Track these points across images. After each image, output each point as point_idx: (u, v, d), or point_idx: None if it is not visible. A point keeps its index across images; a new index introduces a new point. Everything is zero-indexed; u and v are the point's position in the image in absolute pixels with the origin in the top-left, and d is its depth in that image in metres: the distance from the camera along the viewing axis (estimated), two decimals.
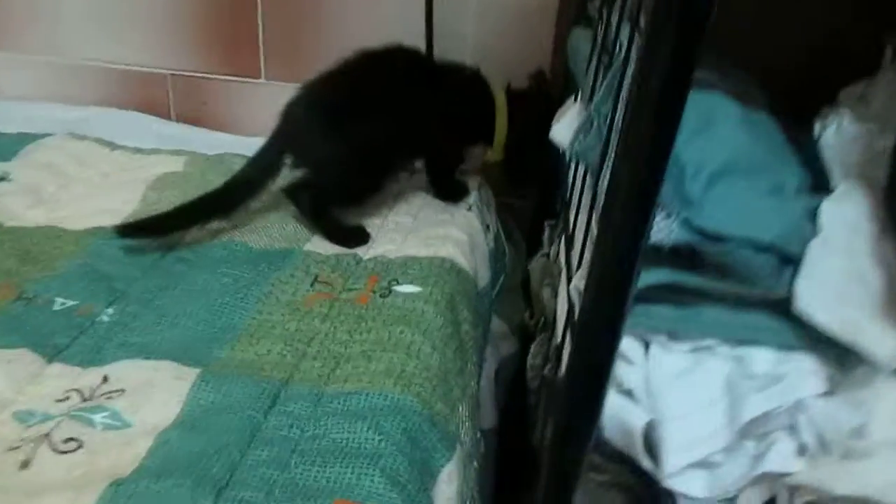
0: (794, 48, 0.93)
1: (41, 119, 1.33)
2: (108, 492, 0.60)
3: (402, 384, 0.74)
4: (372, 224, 1.07)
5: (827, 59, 0.90)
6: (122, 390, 0.73)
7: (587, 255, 0.68)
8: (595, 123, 0.63)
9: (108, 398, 0.72)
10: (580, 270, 0.67)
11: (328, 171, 1.03)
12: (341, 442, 0.67)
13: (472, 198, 1.15)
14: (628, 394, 0.65)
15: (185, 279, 0.92)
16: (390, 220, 1.09)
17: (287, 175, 1.05)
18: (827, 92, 0.83)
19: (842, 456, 0.59)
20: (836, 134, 0.74)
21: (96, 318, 0.84)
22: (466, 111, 1.09)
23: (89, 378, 0.74)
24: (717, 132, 0.71)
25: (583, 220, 0.73)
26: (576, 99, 0.91)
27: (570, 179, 0.85)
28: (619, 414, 0.64)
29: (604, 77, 0.73)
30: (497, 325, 1.15)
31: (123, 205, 1.08)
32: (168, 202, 1.04)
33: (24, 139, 1.24)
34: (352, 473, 0.63)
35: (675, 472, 0.61)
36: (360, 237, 1.03)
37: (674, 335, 0.65)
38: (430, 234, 1.03)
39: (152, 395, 0.72)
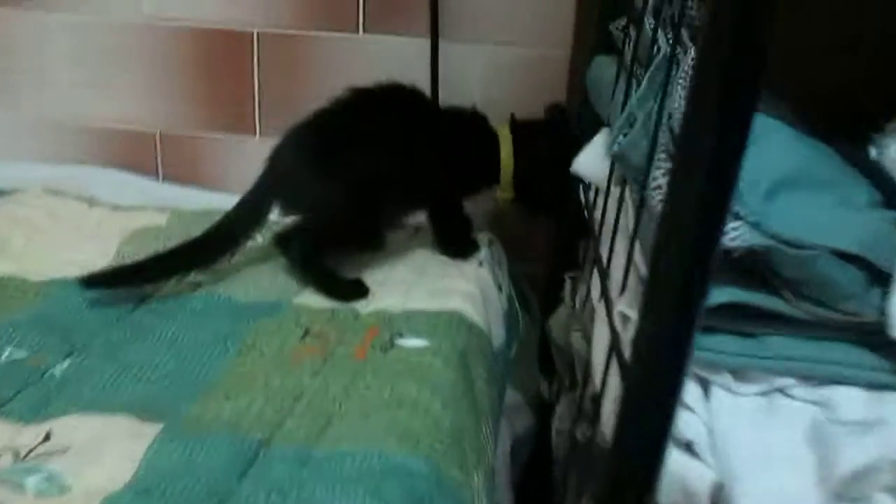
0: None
1: (20, 179, 1.24)
2: None
3: (408, 444, 0.61)
4: (372, 279, 0.96)
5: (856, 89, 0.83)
6: (66, 448, 0.60)
7: (630, 282, 0.57)
8: (638, 120, 0.53)
9: (48, 458, 0.59)
10: (624, 295, 0.56)
11: (320, 212, 0.92)
12: None
13: (483, 254, 1.05)
14: (688, 447, 0.53)
15: (154, 331, 0.80)
16: (393, 275, 0.98)
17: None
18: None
19: None
20: None
21: (48, 370, 0.72)
22: (466, 148, 1.00)
23: (29, 435, 0.62)
24: (769, 147, 0.61)
25: (621, 244, 0.63)
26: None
27: (594, 207, 0.75)
28: (677, 473, 0.51)
29: (638, 84, 0.65)
30: (511, 396, 1.02)
31: (94, 258, 0.98)
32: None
33: None
34: None
35: None
36: (357, 291, 0.92)
37: (739, 373, 0.54)
38: (437, 288, 0.92)
39: (101, 455, 0.59)
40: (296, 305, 0.88)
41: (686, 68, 0.58)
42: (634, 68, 0.67)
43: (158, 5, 1.23)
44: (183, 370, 0.72)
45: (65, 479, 0.56)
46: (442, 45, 1.17)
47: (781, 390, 0.53)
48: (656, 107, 0.54)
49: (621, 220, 0.64)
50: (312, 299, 0.90)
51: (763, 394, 0.53)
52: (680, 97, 0.56)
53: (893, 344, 0.51)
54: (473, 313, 0.88)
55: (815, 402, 0.52)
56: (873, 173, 0.64)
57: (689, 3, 0.61)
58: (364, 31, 1.20)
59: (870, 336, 0.52)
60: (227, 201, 0.97)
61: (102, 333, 0.80)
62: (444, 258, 1.04)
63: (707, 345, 0.53)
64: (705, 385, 0.54)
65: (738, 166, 0.37)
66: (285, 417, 0.66)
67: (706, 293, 0.40)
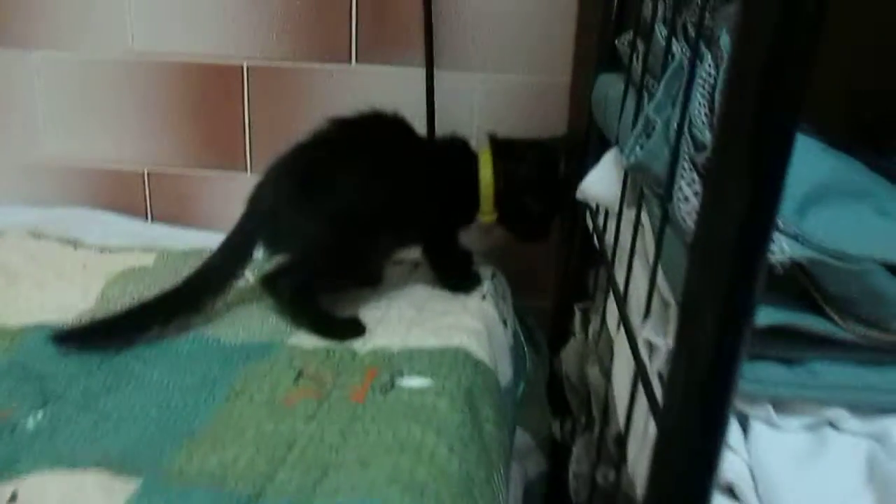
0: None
1: (4, 222, 1.19)
2: None
3: (413, 494, 0.55)
4: (370, 317, 0.90)
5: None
6: None
7: (654, 305, 0.52)
8: (656, 128, 0.49)
9: None
10: (648, 321, 0.50)
11: (306, 249, 0.87)
12: None
13: (486, 287, 1.00)
14: (728, 492, 0.47)
15: (137, 377, 0.74)
16: (391, 312, 0.92)
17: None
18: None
19: None
20: None
21: (19, 422, 0.66)
22: (450, 175, 0.96)
23: None
24: (794, 157, 0.56)
25: (640, 268, 0.58)
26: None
27: (605, 232, 0.70)
28: None
29: (650, 101, 0.60)
30: (520, 437, 0.95)
31: (77, 301, 0.92)
32: (130, 299, 0.89)
33: None
34: None
35: None
36: (353, 329, 0.86)
37: (782, 405, 0.48)
38: (439, 324, 0.87)
39: None
40: (289, 346, 0.82)
41: (704, 75, 0.54)
42: (645, 80, 0.63)
43: (149, 41, 1.20)
44: (166, 418, 0.67)
45: None
46: (437, 73, 1.14)
47: (831, 423, 0.47)
48: (677, 114, 0.50)
49: (638, 243, 0.59)
50: (306, 339, 0.84)
51: (810, 427, 0.48)
52: (699, 104, 0.51)
53: None
54: (479, 350, 0.82)
55: (870, 436, 0.47)
56: None
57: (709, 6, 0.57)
58: (356, 61, 1.16)
59: None
60: (217, 240, 0.93)
61: (81, 381, 0.74)
62: (445, 293, 0.99)
63: (745, 373, 0.47)
64: (743, 419, 0.49)
65: (786, 168, 0.33)
66: (277, 468, 0.60)
67: (752, 319, 0.34)
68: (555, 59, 1.11)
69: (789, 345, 0.46)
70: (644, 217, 0.59)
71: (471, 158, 0.97)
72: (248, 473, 0.59)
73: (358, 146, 0.91)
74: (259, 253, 0.89)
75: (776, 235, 0.44)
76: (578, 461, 0.72)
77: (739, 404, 0.48)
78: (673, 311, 0.50)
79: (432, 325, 0.87)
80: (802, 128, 0.61)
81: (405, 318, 0.91)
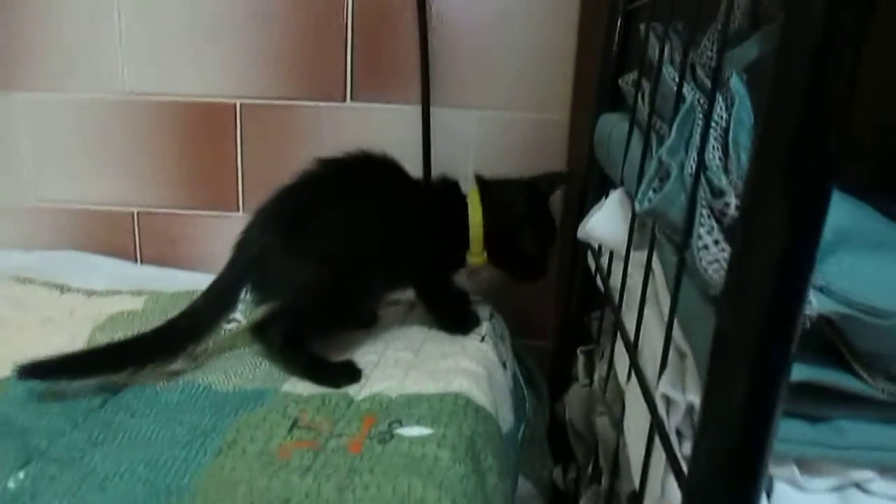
0: None
1: None
2: None
3: None
4: (365, 361, 0.87)
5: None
6: None
7: (670, 356, 0.49)
8: (672, 173, 0.47)
9: None
10: (665, 374, 0.48)
11: (296, 294, 0.85)
12: None
13: (484, 328, 0.97)
14: None
15: (125, 430, 0.71)
16: (388, 355, 0.90)
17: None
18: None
19: None
20: None
21: None
22: (440, 216, 0.95)
23: None
24: None
25: (651, 316, 0.56)
26: (606, 195, 0.76)
27: (610, 274, 0.68)
28: None
29: (659, 143, 0.59)
30: (521, 485, 0.92)
31: (64, 348, 0.88)
32: None
33: None
34: None
35: None
36: (349, 374, 0.83)
37: (808, 465, 0.46)
38: (437, 368, 0.84)
39: None
40: (283, 393, 0.79)
41: (716, 118, 0.52)
42: (653, 121, 0.61)
43: (140, 81, 1.18)
44: (154, 476, 0.63)
45: None
46: (433, 110, 1.12)
47: (859, 485, 0.45)
48: (690, 158, 0.48)
49: (649, 288, 0.57)
50: (301, 386, 0.81)
51: (837, 489, 0.45)
52: (713, 147, 0.50)
53: None
54: (480, 395, 0.79)
55: None
56: None
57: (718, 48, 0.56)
58: (352, 99, 1.15)
59: None
60: (209, 282, 0.90)
61: (66, 435, 0.70)
62: (443, 334, 0.96)
63: None
64: (767, 480, 0.46)
65: (824, 217, 0.31)
66: None
67: (788, 378, 0.32)
68: (553, 97, 1.10)
69: (815, 402, 0.44)
70: (655, 262, 0.57)
71: (460, 199, 0.96)
72: None
73: (346, 187, 0.89)
74: (246, 297, 0.86)
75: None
76: None
77: None
78: (690, 363, 0.48)
79: (430, 369, 0.84)
80: None
81: (402, 361, 0.88)
